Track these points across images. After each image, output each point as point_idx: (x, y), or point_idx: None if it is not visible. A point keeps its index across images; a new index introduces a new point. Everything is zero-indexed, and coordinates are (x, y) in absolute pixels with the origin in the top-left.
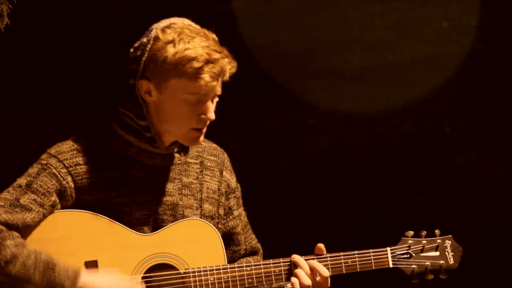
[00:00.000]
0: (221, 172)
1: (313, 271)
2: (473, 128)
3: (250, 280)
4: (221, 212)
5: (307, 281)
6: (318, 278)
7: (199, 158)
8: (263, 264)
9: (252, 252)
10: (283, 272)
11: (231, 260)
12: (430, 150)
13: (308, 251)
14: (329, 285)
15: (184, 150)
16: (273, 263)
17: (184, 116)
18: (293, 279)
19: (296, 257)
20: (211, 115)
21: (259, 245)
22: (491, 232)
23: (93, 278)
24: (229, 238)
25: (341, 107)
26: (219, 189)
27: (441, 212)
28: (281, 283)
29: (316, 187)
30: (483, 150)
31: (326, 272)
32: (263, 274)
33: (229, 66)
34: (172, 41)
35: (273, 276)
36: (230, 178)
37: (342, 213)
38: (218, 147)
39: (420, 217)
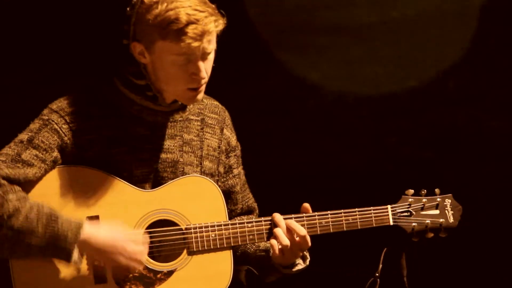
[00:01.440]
0: (221, 130)
1: (290, 231)
2: (477, 83)
3: (251, 236)
4: (221, 170)
5: (286, 241)
6: (296, 238)
7: (200, 115)
8: (264, 221)
9: (248, 211)
10: (263, 231)
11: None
12: (434, 105)
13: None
14: (309, 244)
15: (183, 108)
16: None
17: (175, 76)
18: (272, 241)
19: (276, 217)
20: (203, 74)
21: (255, 205)
22: (495, 187)
23: (96, 230)
24: (227, 197)
25: (343, 64)
26: (219, 147)
27: (445, 168)
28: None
29: (319, 145)
30: (487, 105)
31: (302, 231)
32: (264, 230)
33: (214, 24)
34: (156, 2)
35: (264, 234)
36: (231, 136)
37: (345, 170)
38: (220, 105)
39: (424, 173)
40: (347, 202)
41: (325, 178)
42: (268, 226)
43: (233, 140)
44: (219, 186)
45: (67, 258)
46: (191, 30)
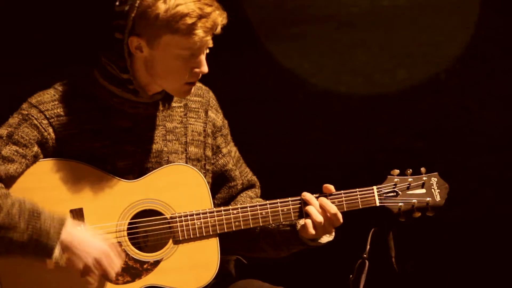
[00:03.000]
0: (206, 112)
1: (323, 209)
2: (469, 73)
3: (237, 223)
4: (209, 153)
5: (320, 218)
6: (328, 215)
7: (183, 101)
8: (250, 207)
9: (250, 186)
10: (270, 215)
11: (229, 197)
12: (425, 95)
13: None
14: (341, 221)
15: (168, 98)
16: (260, 206)
17: (177, 71)
18: (307, 220)
19: (306, 195)
20: (205, 68)
21: (255, 178)
22: (485, 176)
23: (76, 231)
24: (222, 176)
25: (334, 54)
26: (204, 130)
27: (436, 158)
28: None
29: (309, 135)
30: (478, 96)
31: (333, 209)
32: (250, 217)
33: (220, 18)
34: None
35: (260, 218)
36: (216, 117)
37: (336, 159)
38: (203, 86)
39: (415, 163)
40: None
41: (315, 168)
42: (265, 211)
43: (219, 121)
44: (208, 169)
45: (48, 254)
46: (202, 24)
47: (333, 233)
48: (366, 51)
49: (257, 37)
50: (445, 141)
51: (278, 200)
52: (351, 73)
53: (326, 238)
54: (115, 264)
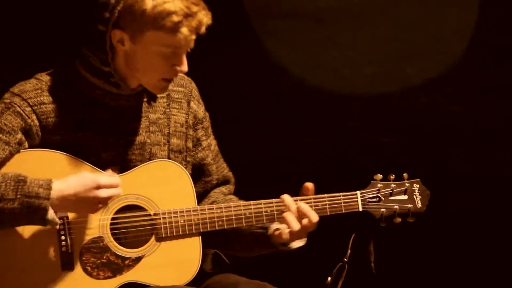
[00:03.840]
0: (188, 103)
1: (302, 215)
2: (437, 68)
3: (220, 222)
4: (190, 144)
5: (297, 226)
6: (306, 222)
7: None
8: (234, 207)
9: (224, 181)
10: (253, 214)
11: (203, 191)
12: (393, 90)
13: (271, 194)
14: (315, 227)
15: (152, 94)
16: (243, 206)
17: (157, 67)
18: (282, 225)
19: (286, 200)
20: (185, 68)
21: (230, 174)
22: (454, 171)
23: (66, 182)
24: (199, 170)
25: (303, 48)
26: (186, 122)
27: (406, 153)
28: (241, 225)
29: (278, 129)
30: (447, 90)
31: (315, 218)
32: (233, 217)
33: (206, 18)
34: None
35: (243, 218)
36: (197, 108)
37: (305, 155)
38: (186, 76)
39: (385, 158)
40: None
41: (284, 162)
42: (249, 211)
43: (200, 112)
44: (189, 161)
45: (42, 217)
46: (188, 23)
47: (305, 239)
48: (335, 47)
49: (227, 31)
50: (414, 136)
51: (262, 201)
52: (320, 68)
53: (297, 243)
54: (112, 190)
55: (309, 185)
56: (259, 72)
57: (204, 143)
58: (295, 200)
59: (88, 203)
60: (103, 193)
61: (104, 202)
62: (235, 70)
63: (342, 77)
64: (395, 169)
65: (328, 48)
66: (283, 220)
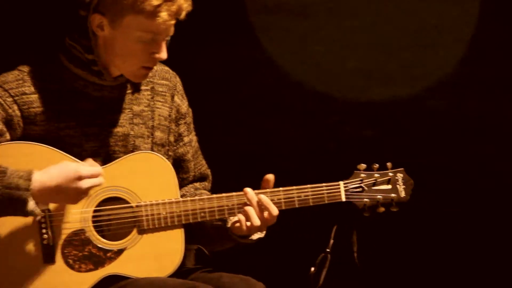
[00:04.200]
0: (172, 97)
1: (263, 208)
2: (418, 62)
3: (202, 214)
4: (171, 139)
5: (256, 221)
6: (266, 215)
7: (149, 84)
8: (216, 198)
9: (201, 178)
10: (236, 206)
11: (179, 187)
12: (375, 84)
13: (253, 186)
14: (275, 221)
15: (135, 83)
16: (226, 197)
17: (136, 53)
18: (240, 216)
19: (249, 194)
20: (164, 55)
21: (208, 171)
22: (434, 165)
23: (47, 172)
24: (178, 165)
25: (286, 42)
26: (169, 115)
27: (388, 147)
28: (223, 216)
29: (260, 123)
30: (427, 85)
31: (275, 212)
32: (216, 208)
33: (186, 4)
34: None
35: (225, 210)
36: (181, 103)
37: (287, 149)
38: (170, 70)
39: (367, 152)
40: (289, 180)
41: (267, 157)
42: (231, 202)
43: (183, 107)
44: (170, 155)
45: (22, 208)
46: (167, 7)
47: (264, 231)
48: (317, 41)
49: (208, 25)
50: (395, 130)
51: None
52: (301, 62)
53: (257, 235)
54: (93, 180)
55: (269, 176)
56: (241, 67)
57: (186, 139)
58: (257, 194)
59: (70, 194)
60: (84, 183)
61: (85, 192)
62: (217, 65)
63: (324, 71)
64: (377, 162)
65: (311, 43)
66: (243, 213)
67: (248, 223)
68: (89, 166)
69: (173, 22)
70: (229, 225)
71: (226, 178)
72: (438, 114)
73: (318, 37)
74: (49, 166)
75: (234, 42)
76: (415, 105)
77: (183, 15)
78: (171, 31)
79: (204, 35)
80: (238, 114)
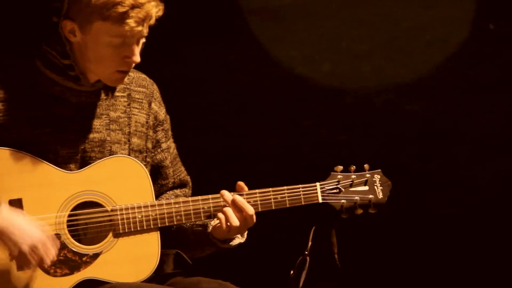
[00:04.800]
0: (149, 104)
1: (240, 209)
2: (392, 68)
3: (178, 217)
4: (149, 145)
5: (235, 221)
6: (244, 215)
7: (126, 90)
8: (192, 201)
9: (180, 185)
10: (212, 209)
11: (158, 194)
12: (349, 88)
13: (228, 189)
14: (254, 221)
15: (110, 87)
16: (202, 200)
17: (108, 58)
18: (220, 215)
19: (225, 195)
20: (136, 58)
21: (188, 178)
22: (408, 170)
23: (12, 217)
24: (157, 172)
25: (260, 45)
26: (147, 122)
27: (362, 151)
28: (205, 220)
29: (235, 126)
30: (402, 90)
31: (251, 210)
32: (191, 211)
33: (155, 9)
34: None
35: (202, 213)
36: (159, 110)
37: (262, 152)
38: (147, 78)
39: (340, 155)
40: (264, 183)
41: (241, 160)
42: (216, 204)
43: (161, 114)
44: (148, 161)
45: None
46: (134, 14)
47: (245, 235)
48: (291, 44)
49: (184, 26)
50: (369, 135)
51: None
52: (276, 66)
53: (237, 240)
54: (50, 252)
55: (241, 183)
56: (215, 70)
57: (164, 145)
58: (233, 195)
59: (23, 250)
60: (40, 252)
61: (28, 264)
62: (190, 68)
63: (299, 74)
64: (353, 165)
65: (286, 47)
66: (223, 213)
67: (228, 223)
68: (52, 242)
69: (140, 28)
70: (209, 229)
71: (200, 181)
72: (412, 118)
73: (292, 39)
74: (24, 173)
75: (207, 45)
76: (389, 109)
77: (152, 21)
78: (144, 33)
79: (177, 38)
80: (211, 117)
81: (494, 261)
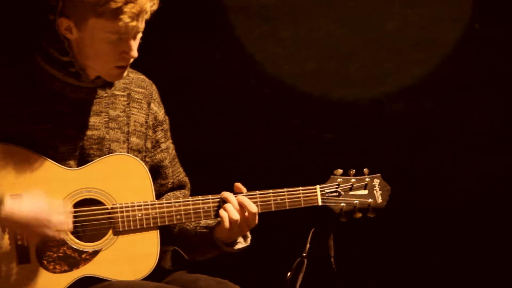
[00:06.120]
0: (148, 105)
1: (242, 207)
2: (379, 66)
3: (178, 216)
4: (149, 145)
5: (236, 216)
6: (246, 214)
7: (126, 90)
8: (192, 200)
9: (180, 186)
10: (212, 208)
11: (158, 194)
12: (336, 87)
13: (218, 189)
14: (256, 222)
15: (109, 83)
16: (202, 200)
17: (105, 54)
18: (222, 213)
19: (226, 193)
20: (134, 53)
21: (186, 179)
22: (396, 169)
23: (18, 204)
24: (156, 172)
25: (245, 44)
26: (146, 122)
27: (349, 149)
28: (208, 221)
29: (221, 125)
30: (389, 88)
31: (254, 208)
32: (191, 211)
33: (149, 4)
34: None
35: (201, 212)
36: (158, 110)
37: (248, 151)
38: (147, 79)
39: (327, 154)
40: (252, 183)
41: (227, 159)
42: (217, 204)
43: (160, 115)
44: (147, 161)
45: None
46: (128, 9)
47: (249, 240)
48: (276, 43)
49: (169, 24)
50: (356, 133)
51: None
52: (262, 65)
53: (241, 245)
54: (65, 222)
55: (239, 184)
56: (201, 69)
57: (163, 145)
58: (241, 194)
59: (33, 234)
60: (51, 232)
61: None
62: (176, 67)
63: (284, 73)
64: (338, 165)
65: (271, 44)
66: (225, 209)
67: (230, 220)
68: (61, 213)
69: (135, 23)
70: (215, 231)
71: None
72: (398, 117)
73: (277, 38)
74: (23, 169)
75: (194, 44)
76: (376, 108)
77: (148, 15)
78: (140, 28)
79: (162, 37)
80: (197, 116)
81: (492, 260)
